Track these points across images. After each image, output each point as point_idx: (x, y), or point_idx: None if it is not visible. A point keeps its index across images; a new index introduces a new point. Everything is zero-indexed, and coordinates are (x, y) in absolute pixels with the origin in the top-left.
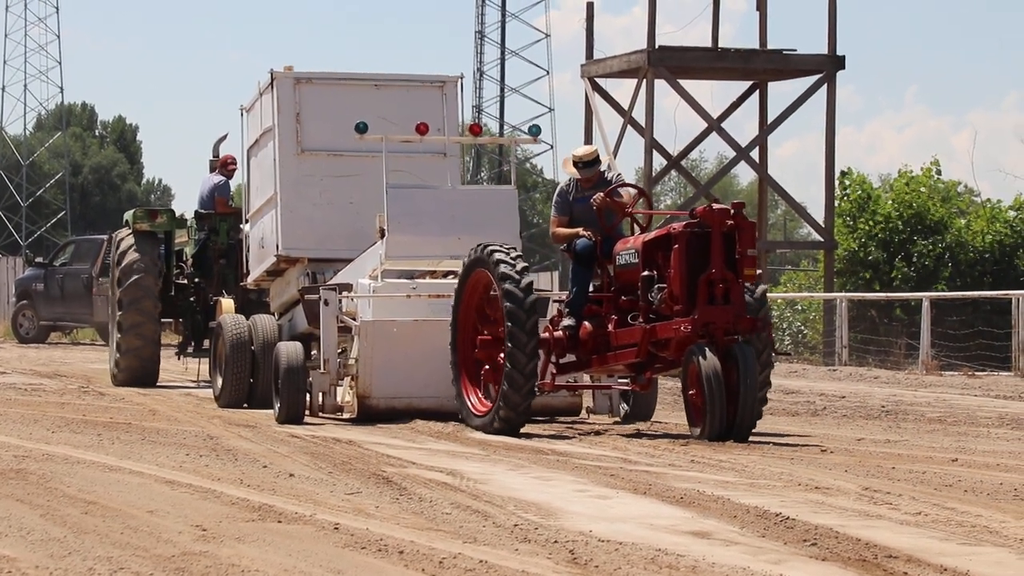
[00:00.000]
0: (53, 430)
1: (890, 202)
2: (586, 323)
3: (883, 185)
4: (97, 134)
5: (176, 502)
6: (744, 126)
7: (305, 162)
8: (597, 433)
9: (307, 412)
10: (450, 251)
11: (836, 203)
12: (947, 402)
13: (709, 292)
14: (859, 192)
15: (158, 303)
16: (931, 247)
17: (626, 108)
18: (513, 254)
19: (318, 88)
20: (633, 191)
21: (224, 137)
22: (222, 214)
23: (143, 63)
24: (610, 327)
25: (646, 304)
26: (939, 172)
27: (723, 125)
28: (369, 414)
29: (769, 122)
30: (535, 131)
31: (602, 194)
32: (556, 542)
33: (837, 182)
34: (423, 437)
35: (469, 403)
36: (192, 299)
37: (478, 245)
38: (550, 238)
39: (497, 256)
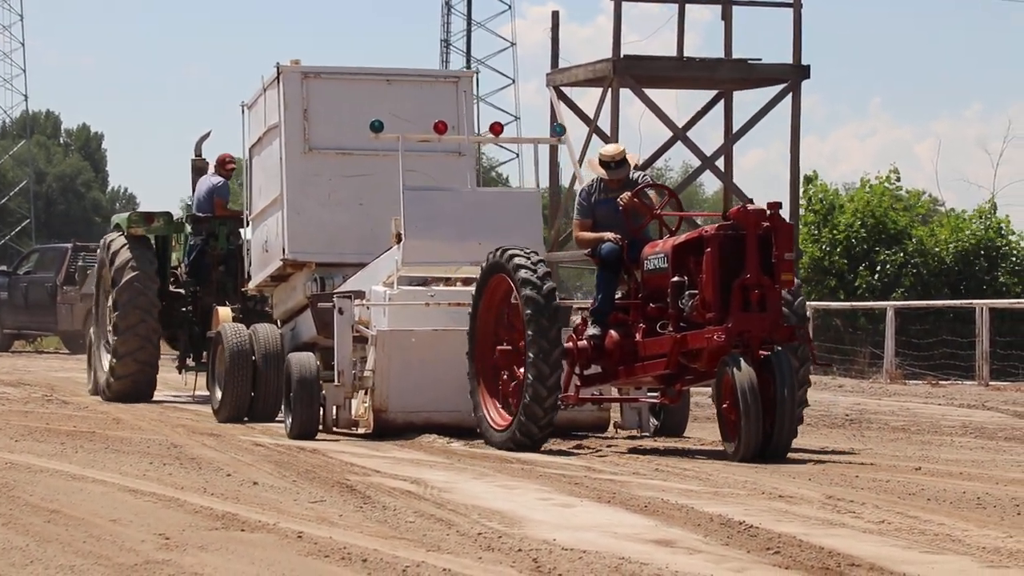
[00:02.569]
0: (16, 439)
1: (850, 211)
2: (612, 332)
3: (847, 194)
4: (62, 142)
5: (139, 511)
6: (709, 135)
7: (312, 161)
8: (633, 450)
9: (320, 427)
10: (470, 257)
11: (800, 212)
12: (911, 411)
13: (744, 299)
14: (821, 202)
15: (157, 301)
16: (894, 255)
17: (591, 117)
18: (534, 259)
19: (327, 83)
20: (663, 193)
21: (207, 135)
22: (221, 217)
23: (108, 71)
24: (638, 336)
25: (676, 312)
26: (898, 179)
27: (688, 134)
28: (386, 429)
29: (734, 131)
30: (559, 131)
31: (629, 194)
32: (520, 550)
33: (802, 189)
34: (387, 445)
35: (488, 417)
36: (187, 308)
37: (497, 249)
38: (574, 242)
39: (517, 261)
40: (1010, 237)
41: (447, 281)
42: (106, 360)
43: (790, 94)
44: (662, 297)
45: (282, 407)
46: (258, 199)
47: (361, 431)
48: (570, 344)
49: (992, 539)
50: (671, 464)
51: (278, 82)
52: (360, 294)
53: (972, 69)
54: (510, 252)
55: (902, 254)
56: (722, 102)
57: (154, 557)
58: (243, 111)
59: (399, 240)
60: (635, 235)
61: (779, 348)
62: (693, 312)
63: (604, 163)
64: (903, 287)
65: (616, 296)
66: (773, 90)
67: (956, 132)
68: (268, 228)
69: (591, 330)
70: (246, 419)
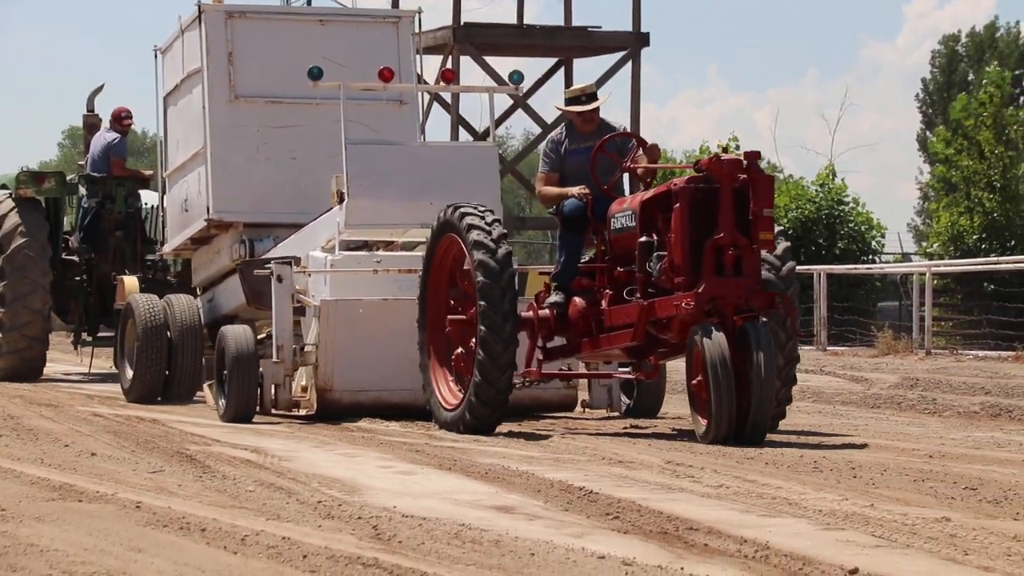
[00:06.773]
0: None
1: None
2: (576, 299)
3: (686, 161)
4: None
5: None
6: (549, 103)
7: (239, 110)
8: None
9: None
10: (420, 218)
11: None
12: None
13: (717, 261)
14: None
15: (49, 271)
16: None
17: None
18: (489, 218)
19: (254, 24)
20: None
21: (100, 89)
22: (118, 177)
23: None
24: (604, 304)
25: (644, 276)
26: (738, 147)
27: (529, 102)
28: (330, 409)
29: None
30: (517, 79)
31: (632, 137)
32: (360, 518)
33: None
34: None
35: (438, 393)
36: (81, 278)
37: (449, 206)
38: (537, 197)
39: (469, 219)
40: (848, 204)
41: (388, 245)
42: None
43: (630, 62)
44: (630, 260)
45: (205, 386)
46: (175, 153)
47: (303, 412)
48: (530, 313)
49: (828, 502)
50: (512, 431)
51: (199, 23)
52: (296, 259)
53: (809, 36)
54: (462, 210)
55: None
56: (562, 70)
57: None
58: (156, 56)
59: (341, 200)
60: (605, 191)
61: (759, 317)
62: (662, 276)
63: (574, 98)
64: None
65: (582, 259)
66: (613, 58)
67: (794, 99)
68: (188, 185)
69: (553, 297)
70: (159, 399)
